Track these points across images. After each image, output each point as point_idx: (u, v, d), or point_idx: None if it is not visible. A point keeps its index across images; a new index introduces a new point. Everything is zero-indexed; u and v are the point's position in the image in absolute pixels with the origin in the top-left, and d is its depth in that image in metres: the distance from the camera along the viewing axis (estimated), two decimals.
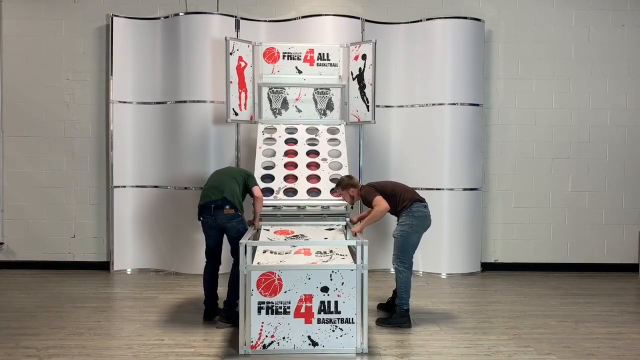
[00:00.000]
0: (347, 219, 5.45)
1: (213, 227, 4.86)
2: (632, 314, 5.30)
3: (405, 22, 7.03)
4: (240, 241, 4.18)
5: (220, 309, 4.85)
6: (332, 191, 5.45)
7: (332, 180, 5.59)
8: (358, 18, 6.89)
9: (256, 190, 5.02)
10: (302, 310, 4.13)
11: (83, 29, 7.06)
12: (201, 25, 6.70)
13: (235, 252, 4.77)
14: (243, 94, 6.38)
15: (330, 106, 6.36)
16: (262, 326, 4.11)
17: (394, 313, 4.87)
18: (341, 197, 5.22)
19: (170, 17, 6.82)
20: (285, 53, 6.38)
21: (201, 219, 4.91)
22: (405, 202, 4.87)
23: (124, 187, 6.95)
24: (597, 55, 7.19)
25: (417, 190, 5.17)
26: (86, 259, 7.08)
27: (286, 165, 5.74)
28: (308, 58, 6.39)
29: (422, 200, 4.95)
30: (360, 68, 6.39)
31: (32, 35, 7.05)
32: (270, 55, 6.38)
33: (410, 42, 6.99)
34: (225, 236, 4.93)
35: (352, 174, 5.59)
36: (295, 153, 5.87)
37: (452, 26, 6.82)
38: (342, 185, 5.14)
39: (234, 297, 4.69)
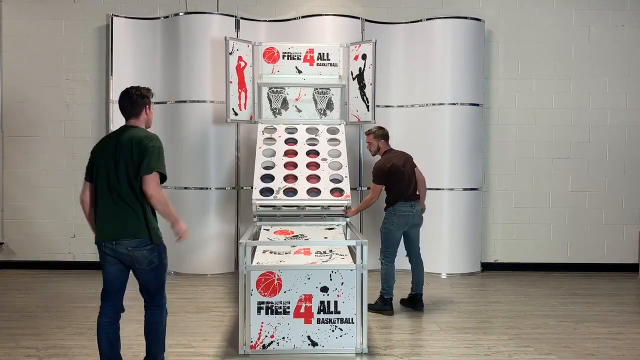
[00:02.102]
0: (347, 219, 5.45)
1: (113, 257, 3.35)
2: (632, 314, 5.29)
3: (405, 22, 7.03)
4: (240, 241, 4.15)
5: None
6: (367, 133, 5.43)
7: (332, 180, 5.59)
8: (358, 18, 6.89)
9: (147, 184, 3.22)
10: (302, 310, 4.13)
11: (83, 29, 7.06)
12: (201, 25, 6.70)
13: (149, 291, 3.43)
14: (243, 93, 6.38)
15: (330, 106, 6.36)
16: (261, 326, 4.11)
17: (378, 299, 5.19)
18: (368, 144, 5.40)
19: (170, 17, 6.82)
20: (285, 53, 6.37)
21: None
22: (393, 199, 5.16)
23: None
24: (597, 55, 7.19)
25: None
26: (86, 259, 7.07)
27: (286, 165, 5.73)
28: (308, 58, 6.38)
29: (408, 199, 5.16)
30: (360, 68, 6.39)
31: (32, 35, 7.05)
32: (270, 55, 6.38)
33: (410, 42, 6.99)
34: (131, 272, 3.42)
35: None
36: (295, 153, 5.87)
37: (452, 26, 6.81)
38: (375, 133, 5.33)
39: (157, 352, 3.52)
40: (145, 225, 3.31)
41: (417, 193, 5.28)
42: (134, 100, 3.40)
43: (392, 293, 5.15)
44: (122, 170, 3.27)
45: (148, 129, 3.47)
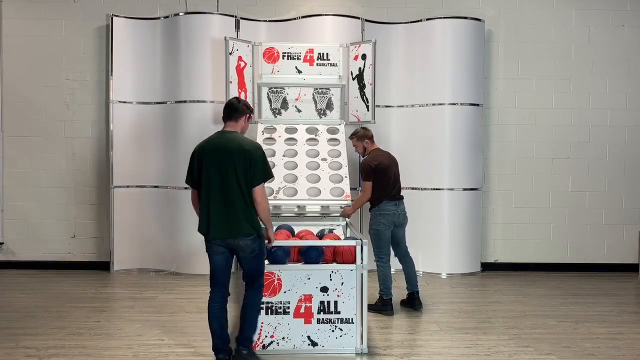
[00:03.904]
0: (347, 219, 5.45)
1: (220, 246, 3.79)
2: (632, 314, 5.29)
3: (405, 22, 7.03)
4: None
5: (237, 350, 3.87)
6: (350, 137, 5.50)
7: (331, 180, 5.59)
8: (358, 18, 6.89)
9: (256, 193, 3.77)
10: (302, 310, 4.13)
11: (83, 29, 7.06)
12: (201, 25, 6.69)
13: (251, 275, 3.86)
14: (243, 93, 6.38)
15: (330, 106, 6.36)
16: (261, 326, 4.11)
17: (377, 299, 5.21)
18: (354, 147, 5.46)
19: (170, 17, 6.82)
20: (285, 53, 6.38)
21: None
22: (378, 198, 5.16)
23: (124, 187, 6.95)
24: (597, 55, 7.19)
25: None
26: (86, 259, 7.08)
27: (286, 165, 5.73)
28: (308, 58, 6.38)
29: (393, 199, 5.18)
30: (360, 68, 6.39)
31: (32, 35, 7.05)
32: (270, 55, 6.38)
33: (410, 42, 6.99)
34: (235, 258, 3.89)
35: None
36: (295, 153, 5.87)
37: (452, 26, 6.81)
38: (357, 135, 5.39)
39: (250, 332, 3.90)
40: (252, 223, 3.75)
41: (402, 194, 5.32)
42: (240, 106, 3.97)
43: (391, 293, 5.16)
44: (232, 177, 3.73)
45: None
